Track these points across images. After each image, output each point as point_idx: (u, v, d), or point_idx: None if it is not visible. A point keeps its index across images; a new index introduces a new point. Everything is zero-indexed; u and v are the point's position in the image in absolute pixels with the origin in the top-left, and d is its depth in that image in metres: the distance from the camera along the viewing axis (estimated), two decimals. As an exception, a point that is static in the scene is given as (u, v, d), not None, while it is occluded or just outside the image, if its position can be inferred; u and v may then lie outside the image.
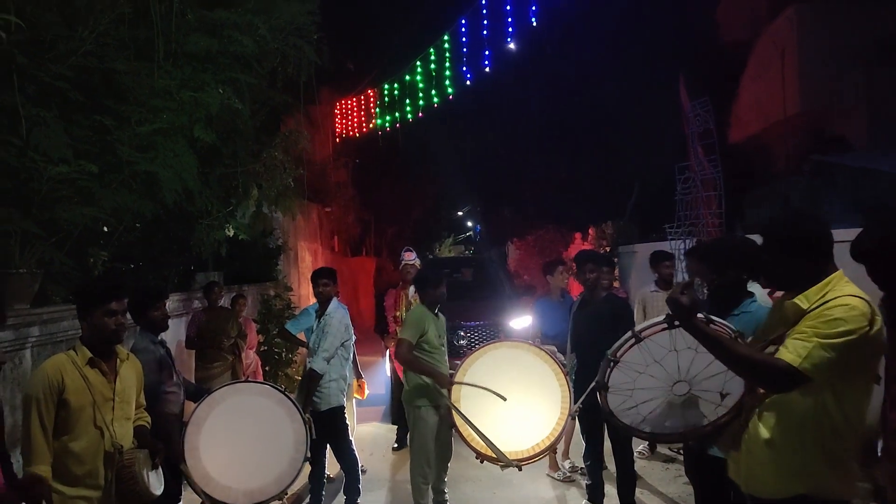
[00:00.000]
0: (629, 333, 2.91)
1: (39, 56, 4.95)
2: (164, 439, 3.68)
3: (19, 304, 4.82)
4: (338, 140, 19.38)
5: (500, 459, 4.47)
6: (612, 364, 2.90)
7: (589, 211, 15.93)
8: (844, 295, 2.28)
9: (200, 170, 6.47)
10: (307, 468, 4.77)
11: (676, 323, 2.47)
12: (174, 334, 6.93)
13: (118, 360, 3.29)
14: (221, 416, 4.12)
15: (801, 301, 2.37)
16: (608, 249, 12.87)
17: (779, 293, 2.69)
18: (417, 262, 7.17)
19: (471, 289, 11.19)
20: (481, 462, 4.69)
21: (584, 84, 16.48)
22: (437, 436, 4.85)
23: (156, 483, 3.22)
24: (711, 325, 2.61)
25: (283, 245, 12.21)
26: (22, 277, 4.86)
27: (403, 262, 7.17)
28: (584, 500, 5.03)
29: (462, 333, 8.44)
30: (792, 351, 2.25)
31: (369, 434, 7.52)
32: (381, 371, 8.07)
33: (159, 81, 5.90)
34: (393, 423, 7.46)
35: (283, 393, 4.39)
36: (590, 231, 15.99)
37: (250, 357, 7.43)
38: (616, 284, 11.00)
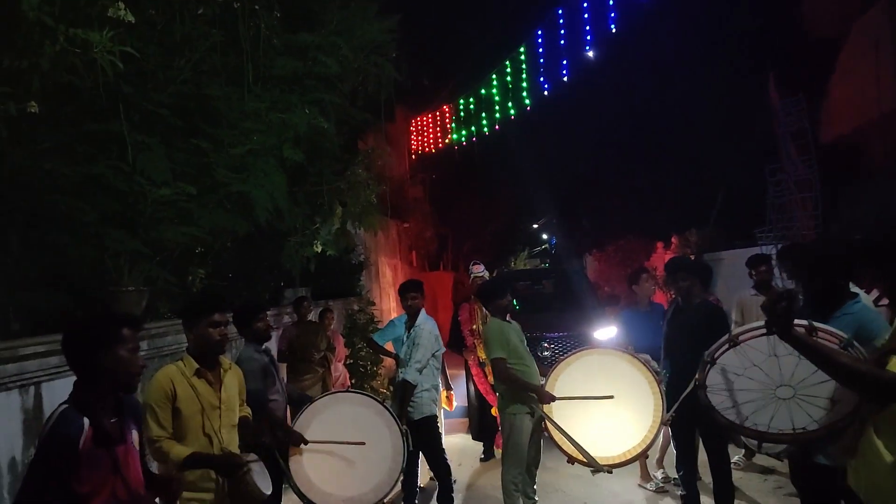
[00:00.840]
0: (726, 336, 2.85)
1: (142, 86, 5.27)
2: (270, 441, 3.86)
3: (129, 320, 5.13)
4: (413, 157, 19.70)
5: (591, 464, 4.42)
6: (709, 364, 2.86)
7: (671, 219, 15.49)
8: None
9: (289, 189, 6.73)
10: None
11: (777, 332, 2.39)
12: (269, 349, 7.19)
13: (222, 369, 3.44)
14: (323, 423, 4.23)
15: None
16: (693, 258, 12.48)
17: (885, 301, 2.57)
18: (486, 275, 7.18)
19: (552, 300, 11.12)
20: (572, 464, 4.66)
21: (665, 87, 16.09)
22: (530, 441, 4.85)
23: (264, 483, 3.34)
24: (818, 333, 2.52)
25: (365, 261, 12.47)
26: (131, 295, 5.17)
27: (473, 276, 7.20)
28: (677, 509, 4.86)
29: (546, 345, 8.36)
30: None
31: (457, 445, 7.56)
32: (462, 385, 8.12)
33: (250, 105, 6.17)
34: (474, 439, 7.45)
35: (381, 403, 4.48)
36: (672, 240, 15.56)
37: (339, 369, 7.60)
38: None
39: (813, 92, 10.94)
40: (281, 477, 4.19)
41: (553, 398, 4.67)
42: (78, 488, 2.20)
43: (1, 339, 4.36)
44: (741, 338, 2.80)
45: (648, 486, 5.76)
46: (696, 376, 2.92)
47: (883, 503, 2.28)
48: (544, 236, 40.46)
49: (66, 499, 2.18)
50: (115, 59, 3.26)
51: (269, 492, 3.41)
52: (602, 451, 4.55)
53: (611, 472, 5.04)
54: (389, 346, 6.00)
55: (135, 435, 2.57)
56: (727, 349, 2.86)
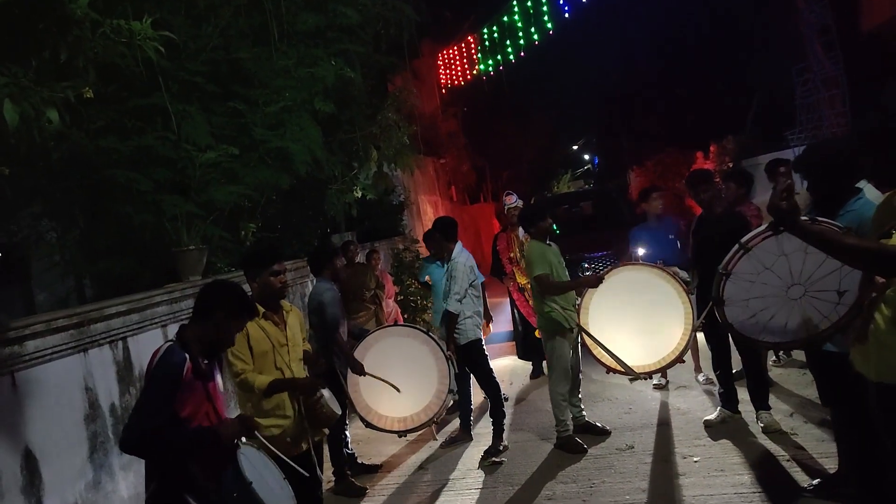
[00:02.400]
0: (737, 246, 2.97)
1: (177, 58, 5.57)
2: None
3: (193, 276, 5.59)
4: (444, 91, 19.64)
5: (628, 372, 4.75)
6: (724, 277, 2.97)
7: (708, 128, 15.23)
8: None
9: (324, 139, 7.01)
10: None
11: (781, 228, 2.50)
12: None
13: (284, 311, 3.83)
14: (377, 355, 4.67)
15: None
16: (731, 165, 12.36)
17: None
18: (520, 204, 7.39)
19: (591, 221, 11.30)
20: (610, 374, 5.05)
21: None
22: (572, 355, 5.20)
23: (334, 405, 3.77)
24: (819, 223, 2.65)
25: (406, 200, 12.79)
26: (192, 253, 5.62)
27: (507, 206, 7.41)
28: (719, 407, 5.17)
29: (586, 265, 8.62)
30: None
31: (507, 366, 7.98)
32: (506, 311, 8.48)
33: (278, 62, 6.42)
34: (520, 359, 7.84)
35: (426, 333, 4.88)
36: (711, 148, 15.35)
37: (390, 306, 8.02)
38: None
39: None
40: (344, 402, 4.65)
41: (601, 280, 4.97)
42: (179, 411, 2.63)
43: (84, 303, 4.88)
44: (751, 243, 2.90)
45: (699, 377, 6.11)
46: (712, 294, 3.05)
47: (892, 380, 2.40)
48: (586, 157, 40.01)
49: (171, 419, 2.62)
50: (156, 44, 3.55)
51: (340, 412, 3.84)
52: (638, 359, 4.87)
53: (648, 379, 5.40)
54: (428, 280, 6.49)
55: (219, 378, 2.97)
56: (740, 257, 2.95)
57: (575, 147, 40.20)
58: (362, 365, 4.70)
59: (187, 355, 2.69)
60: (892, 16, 11.83)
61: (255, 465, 2.81)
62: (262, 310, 3.68)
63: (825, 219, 2.81)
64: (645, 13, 19.39)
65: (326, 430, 3.93)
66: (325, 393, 3.75)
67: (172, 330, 4.91)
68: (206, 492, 2.69)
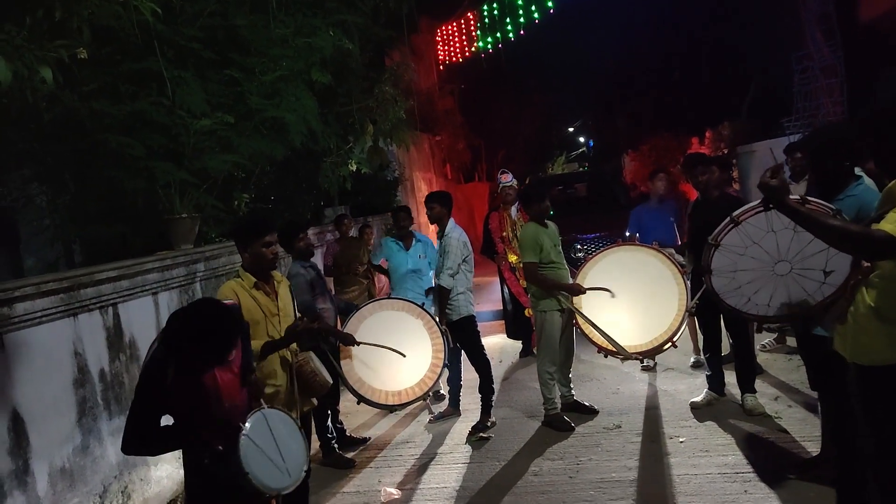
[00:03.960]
0: (728, 219, 3.00)
1: (173, 22, 5.48)
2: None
3: (185, 245, 5.56)
4: (441, 67, 19.48)
5: (620, 352, 4.78)
6: (713, 248, 3.02)
7: (704, 113, 15.22)
8: None
9: (320, 111, 6.95)
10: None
11: (771, 205, 2.54)
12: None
13: (275, 282, 3.82)
14: (369, 328, 4.65)
15: None
16: (726, 151, 12.36)
17: None
18: (514, 183, 7.36)
19: (585, 203, 11.33)
20: (605, 357, 5.08)
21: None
22: (562, 335, 5.22)
23: (326, 374, 3.78)
24: (809, 203, 2.67)
25: (400, 176, 12.74)
26: (184, 221, 5.59)
27: (501, 185, 7.39)
28: (706, 390, 5.22)
29: (579, 246, 8.65)
30: (891, 222, 2.31)
31: (497, 344, 8.02)
32: (497, 289, 8.52)
33: (276, 31, 6.32)
34: (510, 338, 7.89)
35: (420, 307, 4.87)
36: (706, 134, 15.35)
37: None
38: (736, 186, 10.68)
39: None
40: (336, 378, 4.65)
41: (583, 290, 4.99)
42: (175, 405, 2.62)
43: (73, 269, 4.85)
44: (741, 217, 2.95)
45: (692, 360, 6.16)
46: (701, 261, 3.12)
47: (867, 356, 2.50)
48: (581, 139, 39.93)
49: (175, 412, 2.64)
50: (153, 5, 3.49)
51: (331, 382, 3.84)
52: (631, 340, 4.92)
53: (640, 360, 5.44)
54: (383, 263, 6.61)
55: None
56: (729, 230, 3.00)
57: (571, 129, 40.07)
58: (351, 335, 4.67)
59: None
60: (891, 7, 11.81)
61: (274, 428, 2.82)
62: (253, 280, 3.66)
63: (817, 199, 2.83)
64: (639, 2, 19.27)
65: (315, 401, 3.94)
66: (318, 362, 3.76)
67: (163, 298, 4.91)
68: (221, 455, 2.70)
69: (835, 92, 7.69)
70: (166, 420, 2.67)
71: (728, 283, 3.07)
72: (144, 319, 4.65)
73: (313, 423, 5.14)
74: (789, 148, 5.78)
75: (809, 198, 2.79)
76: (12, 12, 2.98)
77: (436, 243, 5.82)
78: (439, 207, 5.51)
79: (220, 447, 2.67)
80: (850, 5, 9.72)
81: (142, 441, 2.61)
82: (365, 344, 4.65)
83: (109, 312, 4.35)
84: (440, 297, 5.31)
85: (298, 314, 4.02)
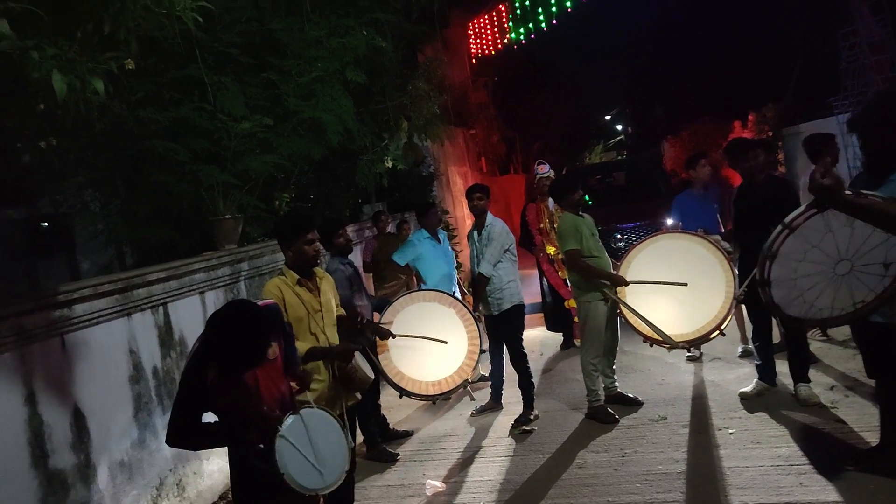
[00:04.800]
0: (780, 226, 2.89)
1: (211, 29, 5.60)
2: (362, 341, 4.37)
3: (229, 245, 5.70)
4: (474, 61, 19.45)
5: (666, 342, 4.72)
6: (770, 259, 2.88)
7: (747, 96, 14.85)
8: None
9: (355, 109, 7.02)
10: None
11: (827, 205, 2.43)
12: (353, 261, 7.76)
13: (318, 278, 3.89)
14: (404, 320, 4.70)
15: None
16: (770, 134, 12.06)
17: None
18: (551, 174, 7.33)
19: (623, 191, 11.19)
20: (651, 346, 5.01)
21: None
22: (607, 325, 5.20)
23: (368, 370, 3.84)
24: (861, 198, 2.59)
25: (435, 171, 12.78)
26: (228, 222, 5.72)
27: (538, 176, 7.36)
28: (756, 380, 5.11)
29: (619, 236, 8.59)
30: None
31: (538, 337, 8.01)
32: (535, 282, 8.54)
33: (310, 33, 6.42)
34: (549, 330, 7.87)
35: (452, 296, 4.92)
36: (749, 117, 15.00)
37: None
38: (781, 169, 10.44)
39: None
40: (377, 373, 4.71)
41: (625, 282, 4.97)
42: (217, 403, 2.70)
43: (124, 270, 5.02)
44: (795, 222, 2.82)
45: (739, 349, 6.04)
46: (756, 274, 2.97)
47: None
48: (618, 127, 39.44)
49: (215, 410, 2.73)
50: (195, 14, 3.59)
51: (372, 377, 3.91)
52: (676, 329, 4.82)
53: (687, 349, 5.37)
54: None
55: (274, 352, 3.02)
56: (785, 237, 2.87)
57: (608, 117, 39.60)
58: (388, 329, 4.69)
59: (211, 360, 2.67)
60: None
61: (313, 428, 2.86)
62: (296, 276, 3.73)
63: (868, 192, 2.75)
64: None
65: (359, 395, 4.01)
66: (358, 357, 3.82)
67: (210, 296, 5.05)
68: (259, 452, 2.77)
69: (885, 68, 7.42)
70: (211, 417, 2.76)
71: (788, 292, 2.93)
72: (192, 318, 4.79)
73: (357, 418, 5.27)
74: (809, 142, 5.51)
75: (863, 192, 2.69)
76: (65, 27, 3.10)
77: (463, 236, 5.85)
78: (486, 199, 5.55)
79: (262, 445, 2.73)
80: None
81: (184, 435, 2.71)
82: (402, 336, 4.68)
83: (160, 311, 4.50)
84: (479, 284, 5.33)
85: (343, 311, 4.10)
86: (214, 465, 4.74)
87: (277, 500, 2.85)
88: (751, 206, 4.93)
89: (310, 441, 2.84)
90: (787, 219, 2.87)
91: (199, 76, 5.39)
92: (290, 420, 2.80)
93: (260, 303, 2.89)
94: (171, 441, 2.72)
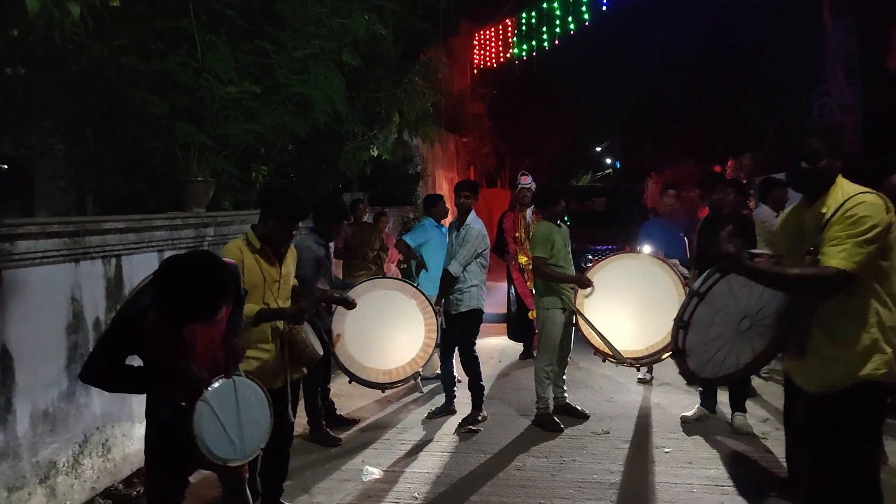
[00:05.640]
0: (688, 294, 2.97)
1: (209, -16, 5.52)
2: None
3: (197, 208, 5.59)
4: (476, 72, 19.52)
5: (616, 357, 4.77)
6: (683, 328, 2.90)
7: (730, 143, 15.15)
8: (859, 194, 2.47)
9: (347, 94, 6.97)
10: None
11: (727, 270, 2.64)
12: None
13: (283, 249, 3.81)
14: (364, 305, 4.62)
15: (822, 208, 2.53)
16: (745, 181, 12.30)
17: None
18: (533, 186, 7.36)
19: (602, 217, 11.41)
20: (603, 361, 5.10)
21: (725, 11, 15.44)
22: (563, 334, 5.20)
23: (317, 345, 3.77)
24: (756, 259, 2.68)
25: (423, 171, 12.75)
26: (199, 185, 5.61)
27: (520, 186, 7.38)
28: (698, 405, 5.21)
29: (590, 256, 8.63)
30: (835, 256, 2.41)
31: (498, 345, 8.00)
32: (503, 292, 8.54)
33: (311, 9, 6.36)
34: (511, 339, 7.88)
35: (416, 287, 4.87)
36: (728, 163, 15.26)
37: (392, 270, 8.03)
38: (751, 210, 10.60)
39: (876, 16, 10.25)
40: (328, 354, 4.61)
41: (589, 281, 5.05)
42: (147, 349, 2.60)
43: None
44: (702, 288, 2.87)
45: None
46: (671, 346, 3.01)
47: (832, 382, 2.50)
48: (608, 160, 39.78)
49: (142, 354, 2.62)
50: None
51: (321, 353, 3.83)
52: (627, 345, 4.93)
53: (636, 368, 5.40)
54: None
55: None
56: (696, 305, 2.90)
57: (598, 149, 39.97)
58: (352, 298, 4.54)
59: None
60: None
61: (242, 398, 2.78)
62: (259, 243, 3.63)
63: (756, 250, 2.93)
64: (676, 25, 19.20)
65: (305, 370, 3.94)
66: (309, 332, 3.75)
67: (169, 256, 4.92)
68: (178, 410, 2.68)
69: (850, 130, 7.61)
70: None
71: (702, 356, 2.97)
72: (147, 275, 4.66)
73: (302, 398, 5.17)
74: (768, 183, 5.73)
75: (751, 251, 2.77)
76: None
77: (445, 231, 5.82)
78: (473, 198, 5.53)
79: (183, 403, 2.63)
80: (876, 51, 9.63)
81: (103, 372, 2.57)
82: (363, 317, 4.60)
83: (112, 263, 4.36)
84: (446, 282, 5.28)
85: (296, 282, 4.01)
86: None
87: (189, 461, 2.77)
88: (710, 235, 5.02)
89: (234, 410, 2.75)
90: (696, 285, 2.94)
91: (189, 31, 5.28)
92: (218, 384, 2.71)
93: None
94: (87, 375, 2.57)
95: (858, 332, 2.46)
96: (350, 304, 4.45)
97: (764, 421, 5.13)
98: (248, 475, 3.06)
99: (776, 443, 4.62)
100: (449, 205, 7.09)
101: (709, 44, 17.09)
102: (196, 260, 2.60)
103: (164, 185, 5.76)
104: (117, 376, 2.61)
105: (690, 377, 3.05)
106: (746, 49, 14.47)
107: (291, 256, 3.87)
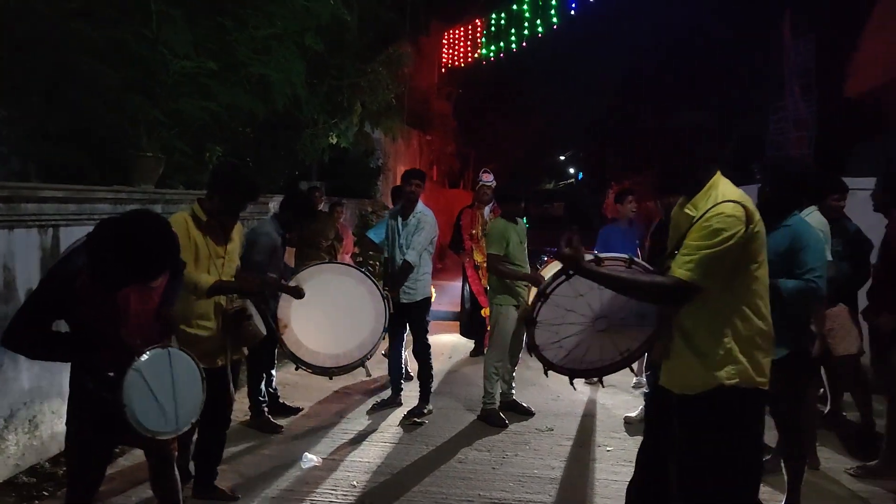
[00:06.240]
0: (536, 293, 3.08)
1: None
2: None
3: (145, 185, 5.41)
4: (443, 70, 19.51)
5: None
6: (532, 325, 3.03)
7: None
8: (720, 203, 2.39)
9: (308, 80, 6.85)
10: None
11: (571, 272, 2.62)
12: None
13: (229, 225, 3.69)
14: (309, 291, 4.52)
15: (691, 210, 2.49)
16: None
17: None
18: (494, 184, 7.35)
19: (560, 220, 11.58)
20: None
21: (688, 23, 15.79)
22: (514, 331, 5.18)
23: (260, 324, 3.66)
24: (604, 262, 2.75)
25: (383, 166, 12.65)
26: (148, 161, 5.42)
27: (481, 183, 7.36)
28: (642, 406, 5.21)
29: (545, 259, 8.66)
30: (681, 266, 2.37)
31: (449, 342, 7.97)
32: (456, 290, 8.51)
33: (275, -12, 6.24)
34: (462, 335, 7.86)
35: (364, 273, 4.79)
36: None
37: (346, 260, 7.91)
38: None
39: (834, 37, 10.59)
40: (273, 338, 4.50)
41: (543, 279, 4.97)
42: (75, 314, 2.47)
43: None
44: (548, 290, 2.96)
45: (634, 380, 6.11)
46: (527, 310, 3.11)
47: (690, 385, 2.50)
48: (571, 170, 40.17)
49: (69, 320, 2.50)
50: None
51: (265, 333, 3.72)
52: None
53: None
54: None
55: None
56: (541, 304, 3.00)
57: (562, 157, 40.35)
58: (300, 287, 4.46)
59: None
60: (874, 86, 12.06)
61: (176, 369, 2.68)
62: (205, 218, 3.53)
63: (610, 254, 2.96)
64: (640, 36, 19.55)
65: (246, 350, 3.83)
66: (252, 311, 3.64)
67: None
68: (106, 379, 2.56)
69: (804, 145, 7.83)
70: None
71: (558, 350, 3.07)
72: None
73: (247, 384, 5.04)
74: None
75: (600, 255, 2.85)
76: None
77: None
78: (422, 187, 5.49)
79: (112, 374, 2.51)
80: (832, 67, 9.94)
81: (26, 336, 2.43)
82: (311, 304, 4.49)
83: (49, 233, 4.18)
84: (403, 273, 5.22)
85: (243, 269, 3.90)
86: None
87: (114, 435, 2.66)
88: (662, 240, 5.07)
89: (167, 381, 2.63)
90: (541, 286, 3.05)
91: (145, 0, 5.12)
92: (151, 353, 2.59)
93: None
94: (9, 340, 2.42)
95: (712, 341, 2.43)
96: (298, 294, 4.37)
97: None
98: (176, 453, 2.93)
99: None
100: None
101: (671, 57, 17.39)
102: (139, 216, 2.47)
103: (111, 158, 5.55)
104: (42, 341, 2.47)
105: (534, 349, 3.13)
106: (709, 65, 14.78)
107: (238, 234, 3.77)
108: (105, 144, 5.45)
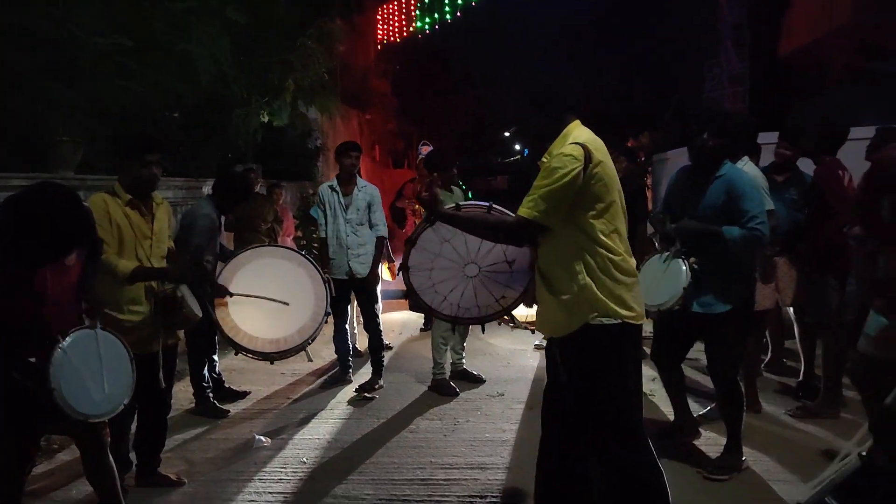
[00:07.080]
0: (406, 241, 3.15)
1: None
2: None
3: (65, 171, 5.15)
4: (380, 48, 19.22)
5: (512, 320, 4.72)
6: (406, 271, 3.09)
7: (628, 122, 15.56)
8: (566, 145, 2.45)
9: (236, 57, 6.61)
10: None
11: (433, 218, 2.70)
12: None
13: (154, 203, 3.55)
14: (247, 275, 4.38)
15: (546, 157, 2.54)
16: (643, 159, 12.66)
17: None
18: None
19: (504, 193, 11.52)
20: (499, 324, 5.02)
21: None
22: None
23: (195, 307, 3.52)
24: (463, 209, 2.78)
25: (322, 146, 12.39)
26: (65, 146, 5.14)
27: (421, 156, 7.28)
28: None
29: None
30: (524, 205, 2.44)
31: (400, 318, 7.91)
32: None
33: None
34: (411, 309, 7.81)
35: (303, 255, 4.66)
36: (629, 143, 15.69)
37: (287, 243, 7.74)
38: (649, 193, 10.95)
39: None
40: (211, 323, 4.35)
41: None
42: None
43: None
44: (414, 236, 3.03)
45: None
46: (402, 258, 3.15)
47: (557, 328, 2.55)
48: (517, 147, 40.27)
49: None
50: None
51: (200, 315, 3.59)
52: (524, 310, 4.86)
53: (533, 332, 5.42)
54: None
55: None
56: (410, 250, 3.05)
57: (507, 134, 40.38)
58: (224, 286, 4.36)
59: None
60: (803, 44, 12.41)
61: (104, 351, 2.60)
62: (128, 197, 3.38)
63: (469, 202, 3.05)
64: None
65: (181, 335, 3.69)
66: (186, 292, 3.50)
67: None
68: (31, 367, 2.44)
69: (738, 99, 8.03)
70: None
71: (434, 296, 3.11)
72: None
73: (189, 371, 4.89)
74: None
75: (461, 203, 2.89)
76: None
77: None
78: (359, 158, 5.45)
79: (33, 359, 2.41)
80: (764, 22, 10.16)
81: None
82: (240, 295, 4.37)
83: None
84: (381, 247, 5.31)
85: (173, 245, 3.76)
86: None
87: (39, 422, 2.56)
88: None
89: (95, 362, 2.56)
90: (411, 234, 3.11)
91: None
92: (77, 334, 2.50)
93: None
94: None
95: (568, 279, 2.45)
96: (223, 293, 4.25)
97: (653, 380, 5.16)
98: (109, 439, 2.81)
99: (662, 399, 4.66)
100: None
101: (606, 20, 17.41)
102: (48, 189, 2.38)
103: (28, 146, 5.26)
104: None
105: (412, 293, 3.17)
106: (642, 28, 14.88)
107: (165, 212, 3.63)
108: (24, 132, 5.17)
